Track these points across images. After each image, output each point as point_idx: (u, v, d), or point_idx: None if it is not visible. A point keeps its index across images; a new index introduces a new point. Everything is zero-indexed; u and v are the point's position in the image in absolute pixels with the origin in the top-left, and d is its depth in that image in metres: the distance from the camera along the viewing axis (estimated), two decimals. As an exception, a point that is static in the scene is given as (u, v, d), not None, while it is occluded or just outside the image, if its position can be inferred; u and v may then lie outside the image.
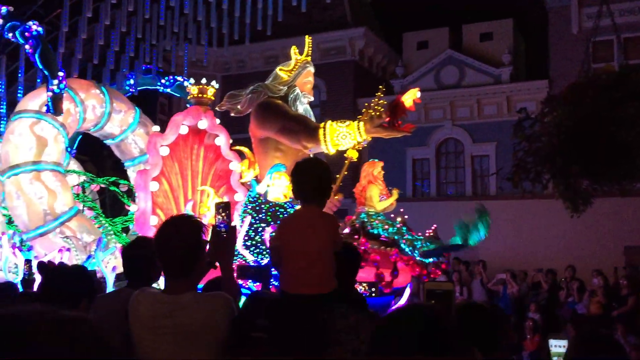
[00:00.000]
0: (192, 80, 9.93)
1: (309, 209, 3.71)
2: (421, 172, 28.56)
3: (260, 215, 9.00)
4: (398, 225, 8.15)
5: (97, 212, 10.21)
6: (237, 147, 10.04)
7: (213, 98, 10.01)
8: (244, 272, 5.06)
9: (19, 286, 6.70)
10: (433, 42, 30.96)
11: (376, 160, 9.44)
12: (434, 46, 30.60)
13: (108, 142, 11.40)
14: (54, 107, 8.96)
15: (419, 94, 7.79)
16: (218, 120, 10.14)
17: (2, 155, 9.60)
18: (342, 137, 8.14)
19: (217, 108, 9.74)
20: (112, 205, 10.84)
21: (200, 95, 9.94)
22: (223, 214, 3.42)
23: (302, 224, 3.67)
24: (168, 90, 11.98)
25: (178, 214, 4.36)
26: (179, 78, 11.85)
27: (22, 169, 9.44)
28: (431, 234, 8.35)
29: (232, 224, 3.60)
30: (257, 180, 9.13)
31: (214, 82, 9.98)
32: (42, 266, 4.47)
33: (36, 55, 9.07)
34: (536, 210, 22.84)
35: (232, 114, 9.80)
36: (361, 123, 8.09)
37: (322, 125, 8.33)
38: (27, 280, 7.26)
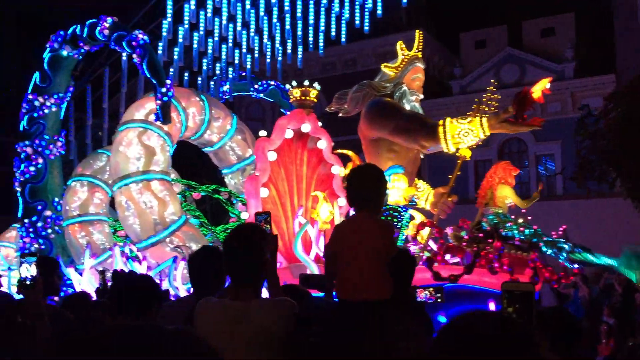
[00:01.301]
0: (294, 83, 9.57)
1: (362, 215, 3.63)
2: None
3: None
4: (534, 227, 7.61)
5: (202, 220, 9.93)
6: (341, 150, 9.66)
7: (315, 100, 9.64)
8: (308, 281, 4.79)
9: (93, 295, 6.56)
10: (491, 41, 30.19)
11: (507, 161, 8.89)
12: (492, 44, 29.83)
13: (206, 149, 11.13)
14: (163, 115, 8.70)
15: (548, 85, 7.27)
16: (320, 123, 9.78)
17: (113, 165, 9.39)
18: (464, 134, 7.67)
19: (327, 109, 9.39)
20: (212, 213, 10.55)
21: (302, 97, 9.59)
22: (265, 224, 3.45)
23: (355, 231, 3.59)
24: (261, 95, 11.66)
25: (242, 224, 4.22)
26: (272, 83, 11.51)
27: (132, 178, 9.21)
28: (561, 235, 7.80)
29: (274, 232, 3.55)
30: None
31: (316, 84, 9.60)
32: (116, 275, 4.39)
33: (144, 64, 8.83)
34: (603, 209, 21.97)
35: (340, 115, 9.44)
36: (484, 119, 7.60)
37: (440, 122, 7.87)
38: (102, 290, 7.08)
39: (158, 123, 9.42)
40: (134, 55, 8.93)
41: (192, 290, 4.23)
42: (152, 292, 3.31)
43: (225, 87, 11.30)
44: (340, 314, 3.42)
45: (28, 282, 3.39)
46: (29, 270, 3.44)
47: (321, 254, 8.95)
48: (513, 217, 8.05)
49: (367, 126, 8.47)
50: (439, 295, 4.14)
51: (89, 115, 11.14)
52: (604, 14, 26.22)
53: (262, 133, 9.17)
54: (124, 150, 9.35)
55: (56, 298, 5.58)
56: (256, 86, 11.48)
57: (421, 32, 8.98)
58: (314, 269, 8.81)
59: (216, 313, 2.90)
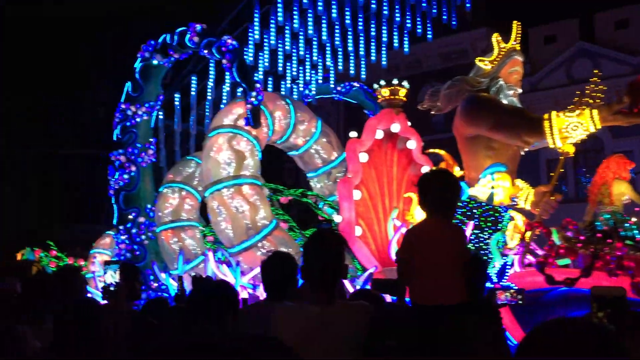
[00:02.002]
0: (382, 82, 9.28)
1: (436, 220, 3.56)
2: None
3: (472, 222, 8.21)
4: (655, 226, 7.04)
5: (291, 224, 9.72)
6: (433, 150, 9.31)
7: (405, 99, 9.31)
8: (380, 285, 4.66)
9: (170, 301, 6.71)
10: (561, 35, 29.07)
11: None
12: (563, 39, 28.71)
13: (292, 153, 10.95)
14: (254, 119, 8.56)
15: None
16: (409, 123, 9.45)
17: (204, 171, 9.30)
18: (573, 128, 7.17)
19: (419, 107, 9.05)
20: (299, 217, 10.34)
21: (391, 97, 9.28)
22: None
23: (430, 235, 3.54)
24: (344, 97, 11.40)
25: (321, 229, 4.55)
26: (355, 84, 11.23)
27: (223, 184, 9.10)
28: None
29: None
30: (468, 183, 8.33)
31: (405, 83, 9.27)
32: (195, 280, 4.33)
33: (233, 69, 8.69)
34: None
35: (433, 112, 9.09)
36: (595, 111, 7.08)
37: (545, 116, 7.40)
38: (179, 295, 6.99)
39: (247, 127, 9.28)
40: (224, 61, 8.82)
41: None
42: (229, 299, 3.18)
43: (312, 90, 11.06)
44: (417, 318, 3.33)
45: (112, 289, 3.50)
46: (113, 277, 3.61)
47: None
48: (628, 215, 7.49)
49: (464, 123, 8.07)
50: (520, 297, 3.98)
51: (177, 122, 11.11)
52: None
53: (353, 134, 8.91)
54: (214, 156, 9.25)
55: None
56: (339, 88, 11.22)
57: (519, 23, 8.50)
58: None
59: (295, 317, 2.88)
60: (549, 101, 24.92)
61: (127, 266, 5.03)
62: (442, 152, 9.06)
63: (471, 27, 27.89)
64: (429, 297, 3.42)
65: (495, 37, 8.51)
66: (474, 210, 8.16)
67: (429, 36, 11.37)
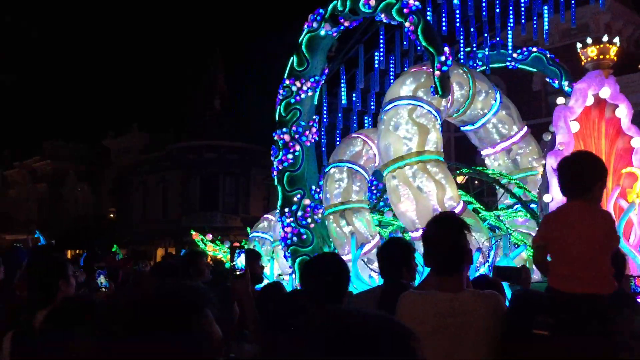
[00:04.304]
0: (588, 40, 7.57)
1: (576, 204, 3.16)
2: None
3: None
4: None
5: (475, 205, 8.24)
6: None
7: (615, 59, 7.57)
8: (501, 272, 4.39)
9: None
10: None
11: None
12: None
13: (465, 128, 9.46)
14: (442, 87, 7.11)
15: None
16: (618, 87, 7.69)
17: (382, 148, 7.99)
18: None
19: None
20: (478, 198, 8.81)
21: (601, 56, 7.55)
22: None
23: (572, 220, 3.12)
24: (520, 65, 9.72)
25: (442, 212, 4.17)
26: (534, 49, 9.53)
27: (406, 160, 7.75)
28: None
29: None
30: None
31: (616, 39, 7.53)
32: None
33: (419, 32, 7.25)
34: None
35: None
36: None
37: None
38: None
39: (429, 98, 7.85)
40: (407, 24, 7.39)
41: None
42: (341, 279, 3.01)
43: (484, 54, 9.44)
44: (568, 306, 2.95)
45: (238, 273, 3.48)
46: (241, 261, 3.49)
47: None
48: None
49: None
50: None
51: (341, 98, 9.82)
52: None
53: (560, 100, 7.27)
54: (394, 131, 7.92)
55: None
56: (515, 55, 9.54)
57: None
58: (637, 258, 6.82)
59: (424, 305, 2.66)
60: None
61: (250, 251, 5.48)
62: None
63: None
64: (575, 284, 3.01)
65: None
66: None
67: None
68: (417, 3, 7.61)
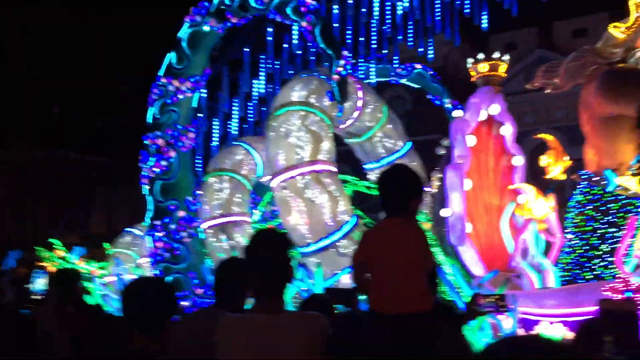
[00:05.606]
0: (480, 55, 7.39)
1: (396, 221, 3.00)
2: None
3: (607, 218, 6.45)
4: None
5: (366, 220, 7.70)
6: (542, 135, 7.49)
7: (505, 75, 7.46)
8: (333, 293, 4.49)
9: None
10: (521, 43, 28.23)
11: None
12: (523, 47, 27.88)
13: (351, 141, 8.91)
14: (340, 93, 6.47)
15: None
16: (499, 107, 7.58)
17: (272, 156, 7.18)
18: None
19: (528, 86, 7.27)
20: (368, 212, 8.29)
21: (491, 73, 7.38)
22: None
23: (391, 237, 2.98)
24: (403, 81, 9.40)
25: (266, 229, 3.80)
26: (417, 66, 9.26)
27: (298, 170, 6.97)
28: None
29: None
30: (596, 172, 6.55)
31: (506, 57, 7.42)
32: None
33: (316, 33, 6.57)
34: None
35: (547, 91, 7.28)
36: None
37: None
38: None
39: (322, 105, 7.18)
40: (303, 23, 6.66)
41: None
42: (163, 306, 2.66)
43: (370, 71, 8.98)
44: (385, 327, 2.86)
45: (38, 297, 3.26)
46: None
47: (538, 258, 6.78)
48: None
49: (603, 101, 6.32)
50: (502, 303, 3.39)
51: (223, 102, 8.81)
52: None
53: (458, 113, 6.95)
54: (285, 138, 7.13)
55: None
56: (399, 70, 9.21)
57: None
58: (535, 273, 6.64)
59: (242, 328, 2.47)
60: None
61: (63, 272, 4.88)
62: (549, 137, 7.26)
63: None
64: (394, 304, 2.90)
65: (634, 1, 6.73)
66: (610, 205, 6.40)
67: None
68: (315, 3, 6.92)
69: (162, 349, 2.45)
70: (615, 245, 6.41)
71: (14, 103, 22.42)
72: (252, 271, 2.54)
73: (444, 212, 6.79)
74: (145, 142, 8.01)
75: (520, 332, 6.08)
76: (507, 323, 6.05)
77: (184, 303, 7.67)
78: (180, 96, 7.93)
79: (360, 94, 8.17)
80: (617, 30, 6.77)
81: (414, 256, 2.96)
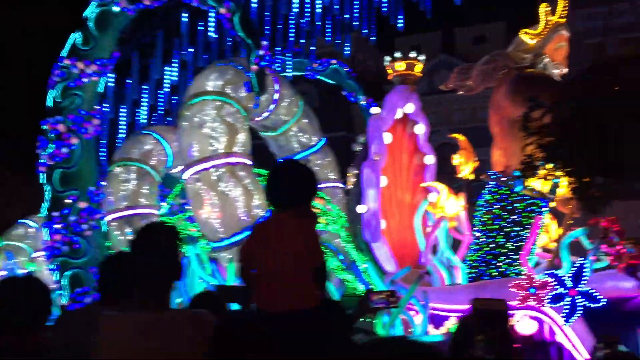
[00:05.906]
0: (397, 54, 7.45)
1: (282, 217, 2.96)
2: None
3: (513, 217, 6.67)
4: None
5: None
6: (454, 135, 7.65)
7: (420, 74, 7.56)
8: (226, 292, 4.30)
9: None
10: (425, 46, 29.16)
11: None
12: (426, 50, 28.74)
13: (267, 134, 8.70)
14: (259, 84, 6.29)
15: None
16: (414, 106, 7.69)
17: (185, 146, 6.85)
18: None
19: (441, 87, 7.38)
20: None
21: (407, 72, 7.46)
22: None
23: (272, 233, 2.94)
24: (319, 76, 9.29)
25: (153, 222, 2.97)
26: (333, 62, 9.17)
27: (212, 162, 6.70)
28: None
29: None
30: (504, 172, 6.76)
31: (422, 56, 7.52)
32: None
33: (235, 21, 6.34)
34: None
35: (460, 93, 7.44)
36: None
37: None
38: None
39: (237, 96, 6.94)
40: (222, 10, 6.39)
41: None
42: (38, 305, 2.63)
43: (287, 65, 8.79)
44: (266, 326, 2.68)
45: None
46: None
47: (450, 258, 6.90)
48: None
49: (515, 104, 6.50)
50: (393, 299, 3.41)
51: (132, 88, 8.29)
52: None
53: (376, 110, 6.96)
54: (198, 128, 6.84)
55: None
56: (315, 65, 9.09)
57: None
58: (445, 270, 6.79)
59: (125, 326, 2.32)
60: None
61: None
62: (461, 137, 7.44)
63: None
64: (277, 302, 2.84)
65: (543, 8, 7.00)
66: (517, 205, 6.64)
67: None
68: (235, -11, 6.65)
69: (36, 348, 2.36)
70: (520, 244, 6.67)
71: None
72: (137, 266, 2.39)
73: (359, 209, 6.77)
74: (44, 127, 7.38)
75: (430, 327, 6.19)
76: (417, 319, 6.13)
77: (85, 300, 7.18)
78: (85, 79, 7.36)
79: (277, 86, 7.98)
80: (528, 37, 7.04)
81: (296, 253, 2.86)
